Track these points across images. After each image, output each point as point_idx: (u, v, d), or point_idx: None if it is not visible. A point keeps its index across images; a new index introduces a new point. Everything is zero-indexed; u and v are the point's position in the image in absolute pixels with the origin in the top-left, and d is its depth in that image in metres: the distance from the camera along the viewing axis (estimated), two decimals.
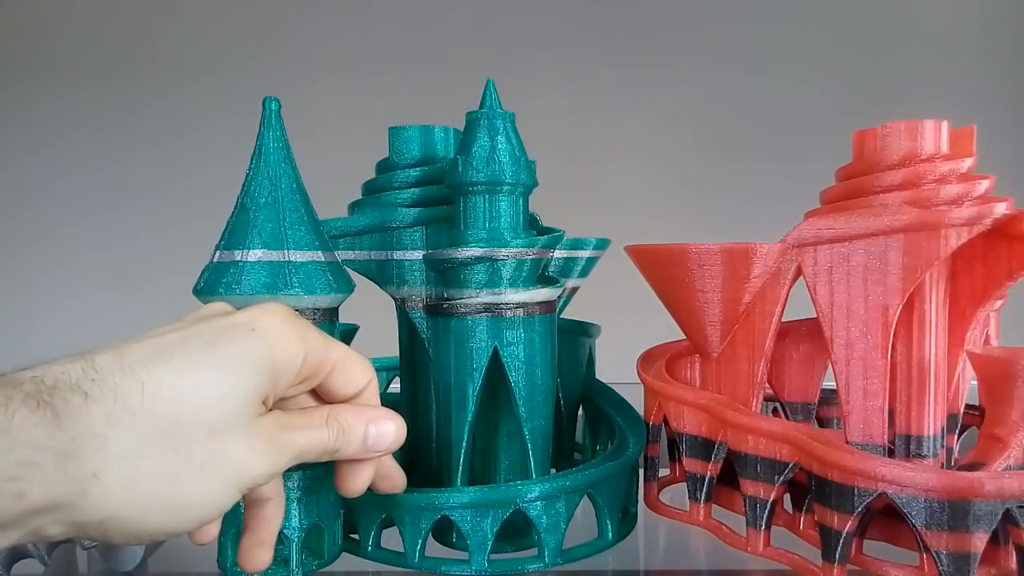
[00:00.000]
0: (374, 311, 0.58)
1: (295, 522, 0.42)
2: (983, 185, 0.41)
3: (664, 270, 0.48)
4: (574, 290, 0.65)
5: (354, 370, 0.36)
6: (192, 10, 1.18)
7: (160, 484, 0.27)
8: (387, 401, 0.40)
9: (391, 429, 0.36)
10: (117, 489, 0.26)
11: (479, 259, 0.45)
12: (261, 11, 1.18)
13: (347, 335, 0.58)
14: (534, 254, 0.46)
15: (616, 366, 0.66)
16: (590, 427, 0.60)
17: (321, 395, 0.36)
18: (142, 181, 1.18)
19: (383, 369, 0.65)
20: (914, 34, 1.21)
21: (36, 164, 1.19)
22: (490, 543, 0.43)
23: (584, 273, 0.65)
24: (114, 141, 1.18)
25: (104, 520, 0.27)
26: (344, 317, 0.60)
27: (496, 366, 0.45)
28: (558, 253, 0.63)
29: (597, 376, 0.63)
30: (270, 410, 0.33)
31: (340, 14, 1.19)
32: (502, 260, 0.45)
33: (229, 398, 0.29)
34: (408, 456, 0.54)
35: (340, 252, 0.51)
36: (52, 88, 1.18)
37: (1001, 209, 0.40)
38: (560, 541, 0.44)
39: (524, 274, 0.46)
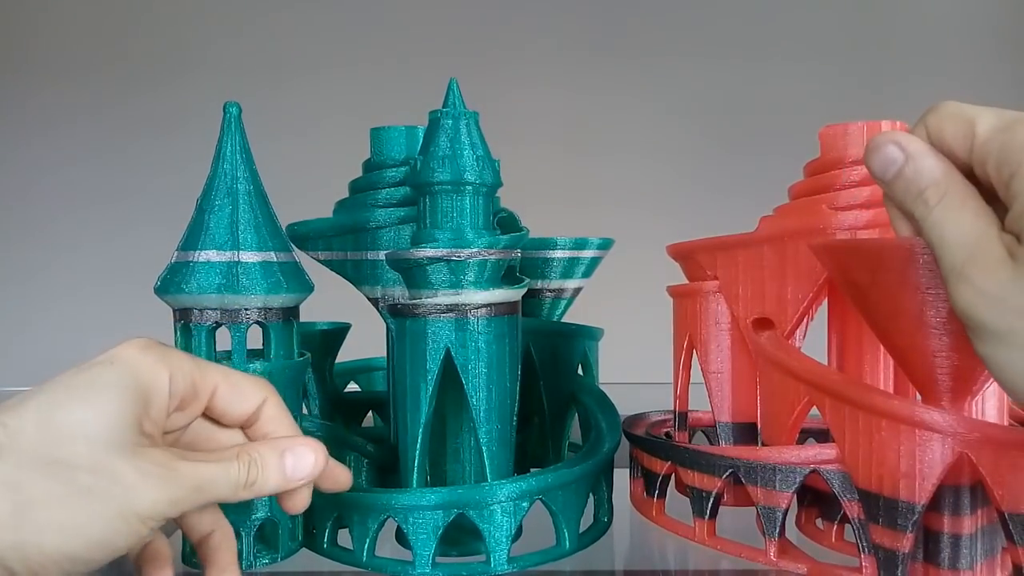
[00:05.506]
0: (372, 310, 0.58)
1: (245, 516, 0.43)
2: None
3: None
4: (577, 291, 0.64)
5: (243, 387, 0.36)
6: (188, 4, 1.20)
7: (49, 509, 0.29)
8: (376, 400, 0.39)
9: (309, 458, 0.36)
10: (6, 517, 0.28)
11: (436, 259, 0.44)
12: (258, 4, 1.20)
13: (339, 333, 0.59)
14: (494, 255, 0.45)
15: (617, 367, 0.64)
16: (583, 430, 0.59)
17: (220, 421, 0.36)
18: (131, 178, 1.20)
19: (382, 369, 0.66)
20: (919, 29, 1.16)
21: (25, 161, 1.21)
22: (434, 545, 0.42)
23: (587, 273, 0.63)
24: (101, 138, 1.20)
25: (2, 551, 0.28)
26: (340, 316, 0.61)
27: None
28: (560, 253, 0.62)
29: (601, 377, 0.61)
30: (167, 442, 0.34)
31: (335, 3, 1.19)
32: (460, 260, 0.44)
33: (97, 424, 0.30)
34: (392, 456, 0.55)
35: (320, 252, 0.52)
36: (40, 84, 1.20)
37: None
38: (507, 547, 0.43)
39: (485, 275, 0.45)
